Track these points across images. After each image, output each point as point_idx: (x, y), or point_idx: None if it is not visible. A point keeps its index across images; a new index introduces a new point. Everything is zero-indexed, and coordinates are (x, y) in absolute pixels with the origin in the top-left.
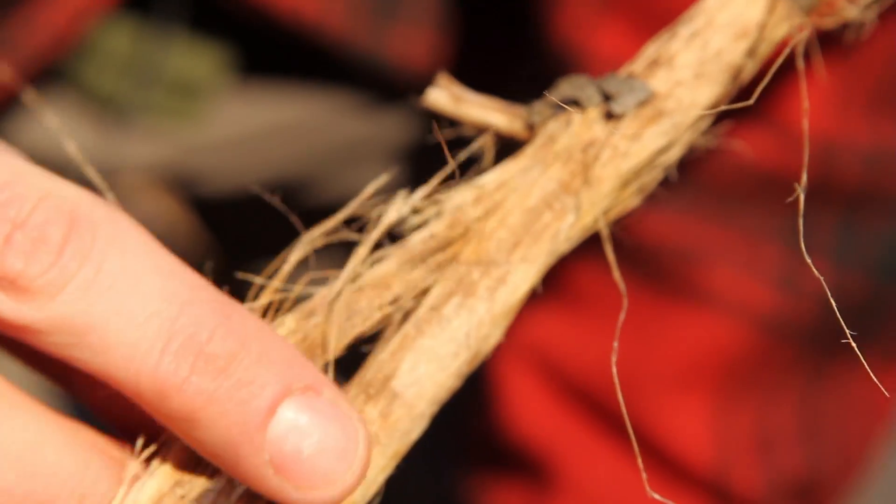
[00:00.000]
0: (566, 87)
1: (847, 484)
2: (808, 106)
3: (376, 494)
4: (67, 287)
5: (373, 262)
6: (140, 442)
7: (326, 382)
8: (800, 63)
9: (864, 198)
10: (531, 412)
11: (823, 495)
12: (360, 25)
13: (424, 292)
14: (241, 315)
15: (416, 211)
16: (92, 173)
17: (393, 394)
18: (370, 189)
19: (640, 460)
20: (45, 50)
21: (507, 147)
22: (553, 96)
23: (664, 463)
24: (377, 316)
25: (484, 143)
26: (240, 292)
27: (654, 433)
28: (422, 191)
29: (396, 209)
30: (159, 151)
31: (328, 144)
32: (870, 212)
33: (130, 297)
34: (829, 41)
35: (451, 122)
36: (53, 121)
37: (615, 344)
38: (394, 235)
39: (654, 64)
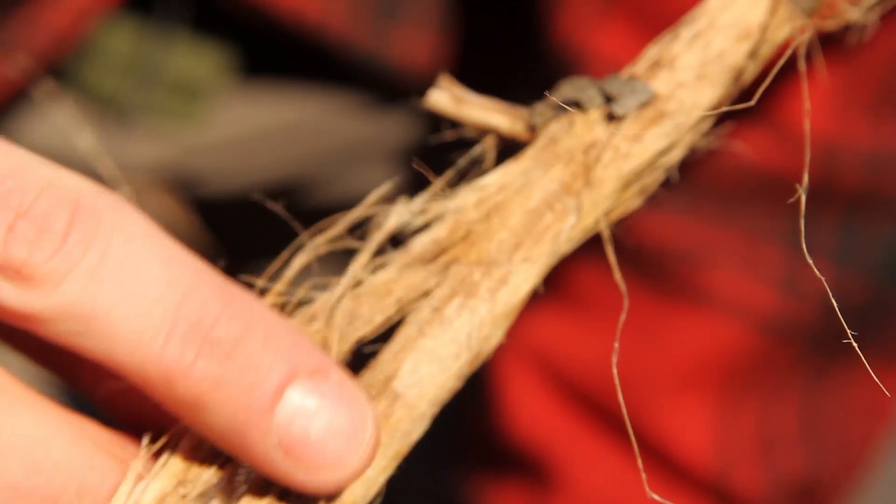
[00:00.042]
0: (568, 89)
1: (848, 485)
2: (809, 107)
3: (377, 495)
4: (71, 274)
5: (374, 267)
6: (145, 440)
7: (333, 365)
8: (801, 65)
9: (864, 199)
10: (531, 413)
11: (824, 496)
12: (361, 26)
13: (426, 295)
14: (246, 299)
15: (418, 214)
16: (106, 166)
17: (394, 395)
18: (373, 197)
19: (640, 461)
20: (46, 50)
21: (509, 148)
22: (554, 98)
23: (665, 464)
24: (379, 320)
25: (485, 145)
26: None
27: (655, 434)
28: (423, 196)
29: (398, 215)
30: (160, 152)
31: (329, 145)
32: (870, 213)
33: (135, 284)
34: (830, 43)
35: (452, 123)
36: (63, 117)
37: (616, 345)
38: (395, 239)
39: (656, 65)
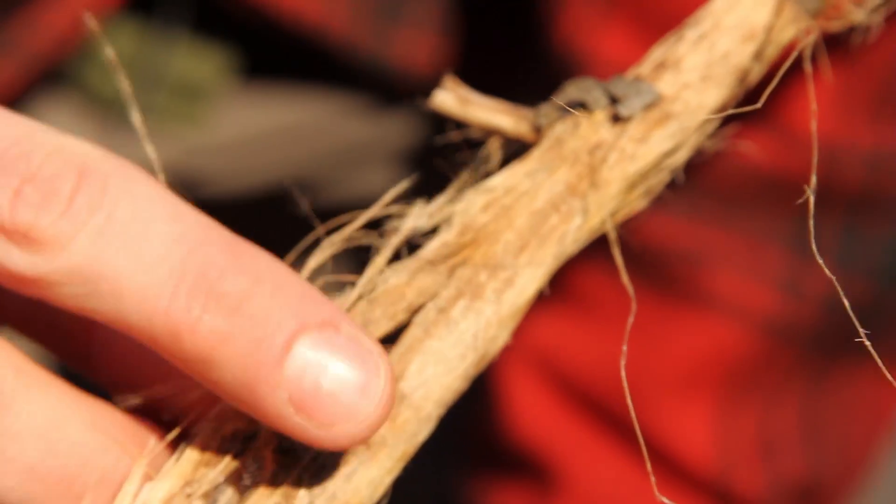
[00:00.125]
0: (573, 90)
1: (849, 486)
2: (815, 109)
3: (383, 496)
4: (78, 236)
5: (383, 271)
6: (152, 441)
7: (345, 317)
8: (807, 66)
9: (866, 201)
10: (535, 414)
11: (825, 498)
12: (363, 28)
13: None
14: (252, 253)
15: (428, 218)
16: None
17: (401, 395)
18: (390, 195)
19: (648, 464)
20: (47, 52)
21: (514, 150)
22: (560, 99)
23: (666, 465)
24: (391, 325)
25: (491, 146)
26: None
27: (657, 436)
28: (440, 198)
29: (415, 217)
30: (162, 154)
31: (331, 147)
32: (872, 215)
33: (141, 242)
34: (833, 44)
35: (457, 124)
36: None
37: (624, 348)
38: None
39: (661, 66)
